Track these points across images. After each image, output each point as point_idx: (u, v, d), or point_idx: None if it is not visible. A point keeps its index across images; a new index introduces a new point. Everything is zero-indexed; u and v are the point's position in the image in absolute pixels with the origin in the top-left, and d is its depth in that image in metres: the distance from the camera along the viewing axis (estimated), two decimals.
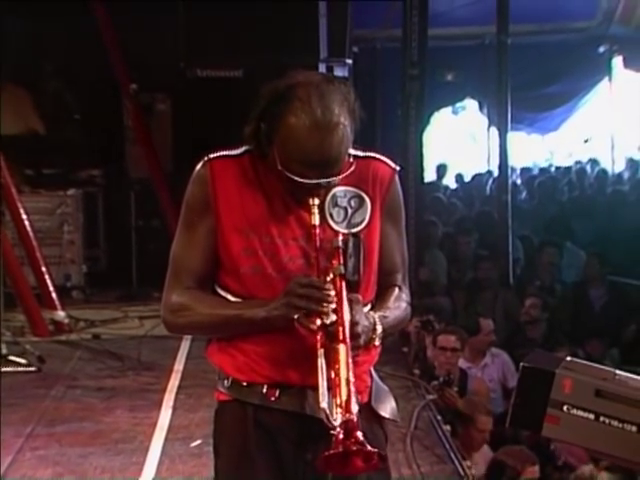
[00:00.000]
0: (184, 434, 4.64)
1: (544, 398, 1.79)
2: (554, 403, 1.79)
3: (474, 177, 13.59)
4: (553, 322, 7.53)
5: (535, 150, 15.34)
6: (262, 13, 8.18)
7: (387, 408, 2.35)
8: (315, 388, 2.10)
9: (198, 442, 4.47)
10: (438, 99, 12.24)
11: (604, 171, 13.06)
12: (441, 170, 14.07)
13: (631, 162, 13.49)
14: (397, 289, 2.36)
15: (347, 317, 2.10)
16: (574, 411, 1.78)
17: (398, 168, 2.33)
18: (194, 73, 8.47)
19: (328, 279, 2.15)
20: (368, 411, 2.28)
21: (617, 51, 12.65)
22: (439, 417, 4.90)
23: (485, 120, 13.64)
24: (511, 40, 8.60)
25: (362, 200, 2.27)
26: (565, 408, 1.78)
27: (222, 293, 2.28)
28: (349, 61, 8.70)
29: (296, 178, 2.12)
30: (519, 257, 9.06)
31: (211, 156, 2.27)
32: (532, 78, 12.23)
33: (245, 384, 2.26)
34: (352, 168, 2.24)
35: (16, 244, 6.65)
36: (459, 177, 14.06)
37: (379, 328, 2.19)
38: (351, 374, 2.05)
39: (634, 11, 11.90)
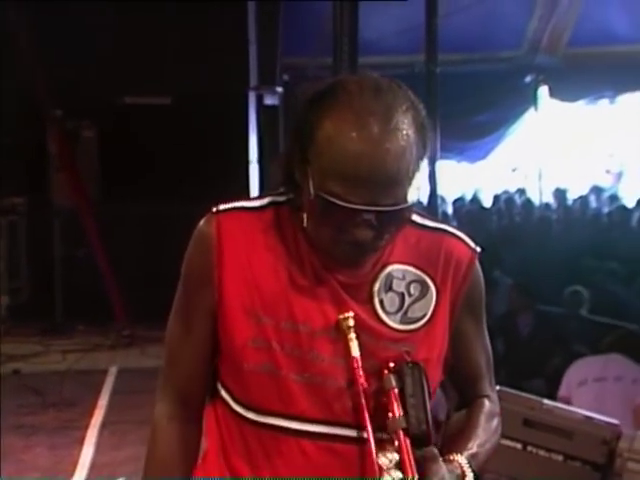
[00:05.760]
0: (107, 471, 4.55)
1: None
2: None
3: None
4: None
5: (464, 179, 15.50)
6: (191, 40, 8.14)
7: None
8: None
9: None
10: None
11: (529, 200, 13.24)
12: None
13: (557, 192, 13.71)
14: (486, 402, 1.82)
15: None
16: (502, 441, 1.77)
17: (479, 249, 1.77)
18: (121, 100, 8.38)
19: (384, 436, 1.58)
20: None
21: (543, 81, 12.88)
22: None
23: None
24: (440, 69, 8.65)
25: (426, 288, 1.69)
26: None
27: (224, 395, 1.69)
28: (279, 89, 8.68)
29: (335, 200, 1.50)
30: None
31: (220, 207, 1.65)
32: (461, 107, 12.34)
33: None
34: (416, 241, 1.70)
35: None
36: None
37: (470, 476, 1.66)
38: None
39: (559, 41, 12.15)
